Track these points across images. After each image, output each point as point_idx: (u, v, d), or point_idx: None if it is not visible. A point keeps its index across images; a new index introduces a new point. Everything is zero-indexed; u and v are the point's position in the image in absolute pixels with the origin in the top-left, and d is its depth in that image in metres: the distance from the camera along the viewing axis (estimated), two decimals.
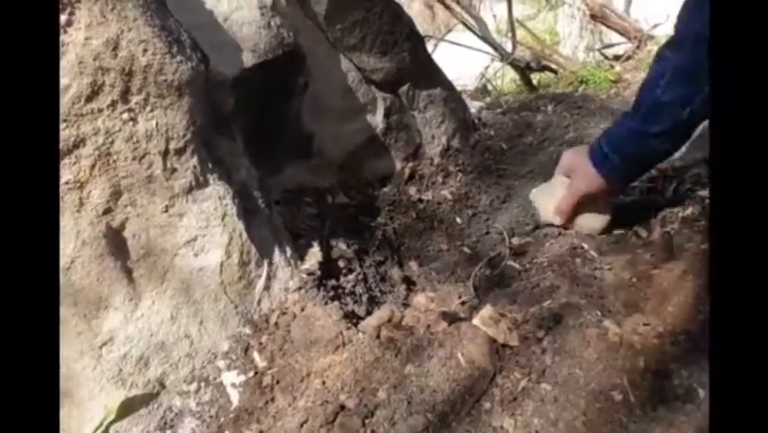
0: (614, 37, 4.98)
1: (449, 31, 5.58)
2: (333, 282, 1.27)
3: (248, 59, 1.37)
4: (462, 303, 1.26)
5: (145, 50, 1.03)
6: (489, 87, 4.61)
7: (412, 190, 1.77)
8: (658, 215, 1.38)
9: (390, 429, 0.93)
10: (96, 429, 1.02)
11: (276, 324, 1.15)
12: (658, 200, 1.48)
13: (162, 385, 1.07)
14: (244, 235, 1.15)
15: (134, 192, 1.06)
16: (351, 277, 1.33)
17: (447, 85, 1.98)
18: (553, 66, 4.45)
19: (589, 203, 1.42)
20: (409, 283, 1.43)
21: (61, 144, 0.98)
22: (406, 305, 1.31)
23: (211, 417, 1.04)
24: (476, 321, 1.09)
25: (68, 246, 1.01)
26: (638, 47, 4.18)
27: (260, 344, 1.12)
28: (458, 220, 1.66)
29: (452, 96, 1.98)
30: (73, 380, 1.04)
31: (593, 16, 4.64)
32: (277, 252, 1.22)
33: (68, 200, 1.01)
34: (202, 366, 1.10)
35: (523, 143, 1.97)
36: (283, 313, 1.16)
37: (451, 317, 1.14)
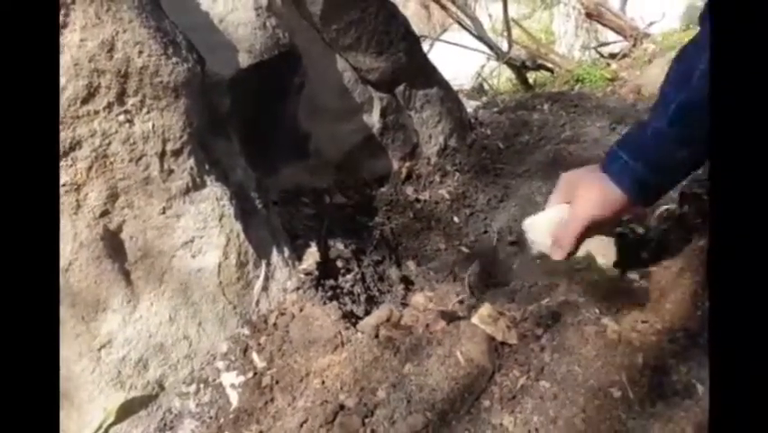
0: (609, 35, 5.00)
1: (444, 30, 5.58)
2: (331, 282, 1.27)
3: (244, 60, 1.37)
4: (460, 302, 1.26)
5: (141, 52, 1.03)
6: (486, 86, 4.62)
7: (409, 190, 1.77)
8: (655, 212, 1.38)
9: (390, 428, 0.93)
10: (96, 431, 1.02)
11: (274, 324, 1.15)
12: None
13: (161, 387, 1.07)
14: (242, 236, 1.15)
15: (131, 194, 1.06)
16: (349, 277, 1.33)
17: (443, 84, 1.98)
18: (549, 65, 4.46)
19: (594, 233, 1.15)
20: (407, 283, 1.43)
21: None
22: (404, 304, 1.31)
23: (210, 418, 1.04)
24: (475, 320, 1.09)
25: (65, 249, 1.01)
26: (634, 45, 4.19)
27: (259, 344, 1.12)
28: (455, 219, 1.66)
29: (449, 96, 1.98)
30: (72, 382, 1.03)
31: (588, 15, 4.65)
32: (275, 252, 1.22)
33: (65, 203, 1.01)
34: (201, 367, 1.10)
35: (520, 142, 1.97)
36: (281, 313, 1.16)
37: (449, 316, 1.14)
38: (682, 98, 1.02)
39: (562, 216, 1.15)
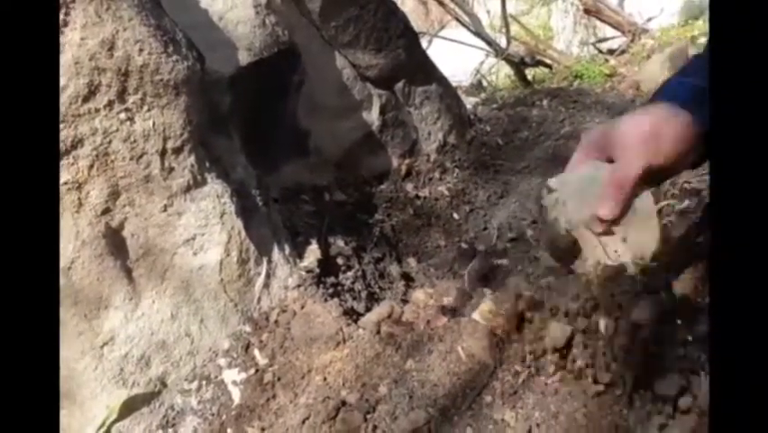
0: (608, 31, 4.99)
1: (443, 27, 5.58)
2: (332, 279, 1.27)
3: (243, 58, 1.37)
4: (461, 297, 1.26)
5: (141, 50, 1.03)
6: (484, 82, 4.62)
7: (409, 187, 1.77)
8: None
9: (392, 424, 0.94)
10: (99, 429, 1.02)
11: (276, 321, 1.15)
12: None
13: (164, 384, 1.08)
14: (243, 234, 1.15)
15: (133, 192, 1.06)
16: (349, 274, 1.33)
17: (443, 81, 1.98)
18: (548, 61, 4.46)
19: (649, 184, 0.92)
20: (408, 279, 1.44)
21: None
22: (404, 301, 1.31)
23: (213, 414, 1.04)
24: (475, 315, 1.09)
25: (67, 247, 1.01)
26: (632, 41, 4.19)
27: (261, 341, 1.12)
28: (455, 216, 1.67)
29: (448, 93, 1.98)
30: (75, 380, 1.04)
31: (587, 11, 4.65)
32: (276, 249, 1.22)
33: (66, 201, 1.01)
34: (203, 364, 1.10)
35: (519, 138, 1.98)
36: (283, 311, 1.17)
37: (450, 311, 1.14)
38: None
39: (601, 174, 0.89)
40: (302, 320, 1.14)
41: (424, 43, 2.28)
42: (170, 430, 1.04)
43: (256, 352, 1.10)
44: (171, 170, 1.09)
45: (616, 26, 4.51)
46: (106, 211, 1.04)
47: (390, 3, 1.76)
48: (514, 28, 4.62)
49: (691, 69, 0.92)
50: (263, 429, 0.99)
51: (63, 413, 1.04)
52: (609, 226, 0.89)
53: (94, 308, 1.04)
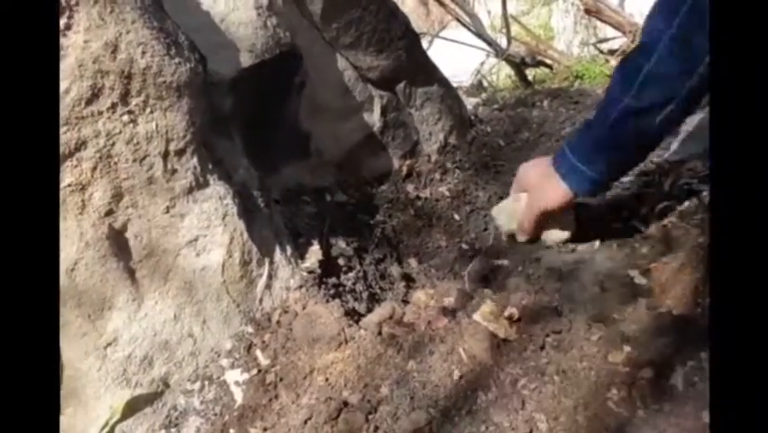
0: (608, 31, 4.98)
1: (443, 27, 5.57)
2: (333, 280, 1.28)
3: (245, 60, 1.38)
4: (462, 298, 1.26)
5: (144, 53, 1.04)
6: (485, 83, 4.61)
7: (410, 188, 1.78)
8: (655, 208, 1.39)
9: (393, 425, 0.94)
10: (102, 429, 1.03)
11: (278, 322, 1.16)
12: (655, 194, 1.49)
13: (166, 384, 1.08)
14: (245, 235, 1.16)
15: (136, 194, 1.07)
16: (351, 275, 1.34)
17: (443, 82, 1.99)
18: (549, 61, 4.46)
19: (550, 219, 1.35)
20: (409, 280, 1.44)
21: (62, 147, 0.99)
22: (405, 302, 1.31)
23: (215, 415, 1.05)
24: (476, 316, 1.10)
25: (71, 248, 1.02)
26: (633, 41, 4.18)
27: (263, 342, 1.13)
28: (456, 217, 1.67)
29: (449, 93, 1.99)
30: (78, 380, 1.04)
31: (587, 11, 4.64)
32: (278, 251, 1.23)
33: (70, 203, 1.01)
34: (205, 365, 1.11)
35: (520, 139, 1.98)
36: (285, 311, 1.17)
37: (451, 313, 1.15)
38: (624, 104, 1.12)
39: (521, 204, 1.37)
40: (304, 321, 1.14)
41: (424, 44, 2.28)
42: (173, 431, 1.05)
43: (258, 352, 1.11)
44: (174, 171, 1.10)
45: (616, 27, 4.50)
46: (109, 213, 1.05)
47: (391, 4, 1.76)
48: (514, 28, 4.62)
49: (619, 79, 1.16)
50: (265, 430, 0.99)
51: (69, 412, 1.04)
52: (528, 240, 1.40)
53: (97, 308, 1.05)
